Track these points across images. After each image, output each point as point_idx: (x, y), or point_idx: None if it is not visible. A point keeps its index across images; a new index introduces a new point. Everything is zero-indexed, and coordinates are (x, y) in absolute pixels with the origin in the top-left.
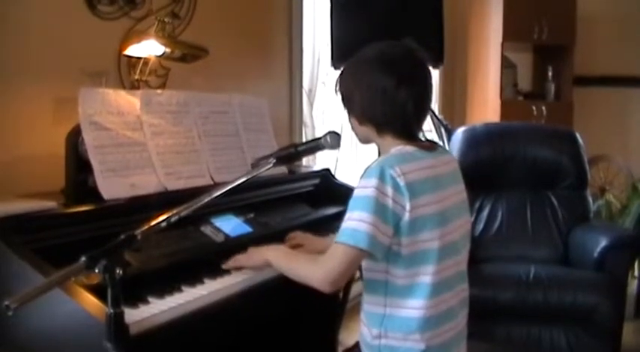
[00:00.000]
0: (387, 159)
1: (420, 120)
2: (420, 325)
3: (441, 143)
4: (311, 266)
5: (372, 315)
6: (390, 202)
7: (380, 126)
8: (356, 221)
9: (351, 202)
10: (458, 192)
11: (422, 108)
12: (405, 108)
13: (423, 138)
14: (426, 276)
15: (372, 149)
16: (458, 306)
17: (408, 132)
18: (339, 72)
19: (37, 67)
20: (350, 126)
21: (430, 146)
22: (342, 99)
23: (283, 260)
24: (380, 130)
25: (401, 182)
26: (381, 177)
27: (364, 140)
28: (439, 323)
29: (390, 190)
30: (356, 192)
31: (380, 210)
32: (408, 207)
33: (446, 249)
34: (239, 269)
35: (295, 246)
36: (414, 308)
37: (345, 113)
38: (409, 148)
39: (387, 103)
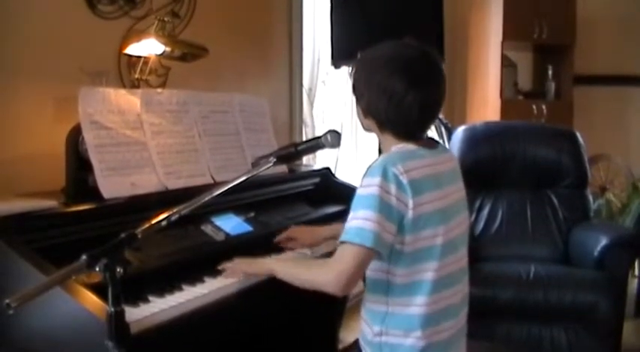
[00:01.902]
0: (389, 158)
1: (425, 125)
2: (421, 322)
3: (441, 142)
4: (320, 271)
5: (374, 313)
6: (393, 200)
7: (382, 125)
8: (361, 220)
9: (355, 201)
10: (458, 189)
11: (428, 113)
12: (410, 112)
13: (424, 137)
14: (427, 273)
15: (372, 149)
16: (459, 303)
17: (410, 134)
18: (354, 62)
19: (37, 67)
20: (357, 112)
21: (431, 144)
22: (353, 87)
23: (290, 269)
24: (382, 128)
25: (404, 180)
26: (384, 175)
27: (367, 129)
28: (440, 320)
29: (393, 188)
30: (359, 191)
31: (384, 208)
32: (410, 204)
33: (447, 246)
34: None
35: (288, 240)
36: (415, 305)
37: (353, 99)
38: (410, 146)
39: (392, 106)
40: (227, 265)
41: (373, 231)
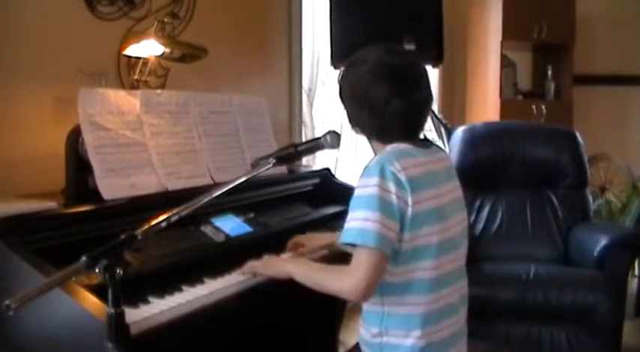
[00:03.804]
0: (385, 157)
1: (411, 130)
2: (421, 321)
3: (440, 142)
4: (339, 278)
5: (371, 315)
6: (394, 198)
7: (367, 134)
8: (362, 220)
9: (353, 202)
10: (453, 188)
11: (413, 119)
12: (392, 120)
13: (415, 139)
14: (423, 272)
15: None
16: (458, 302)
17: (395, 140)
18: (340, 70)
19: (36, 68)
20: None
21: (423, 144)
22: (339, 95)
23: (309, 274)
24: (368, 136)
25: (402, 177)
26: (382, 174)
27: (357, 133)
28: (439, 319)
29: (392, 186)
30: (357, 192)
31: (385, 207)
32: (410, 201)
33: (444, 245)
34: (255, 275)
35: (296, 246)
36: (413, 304)
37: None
38: (403, 146)
39: (373, 117)
40: (244, 270)
41: (375, 231)
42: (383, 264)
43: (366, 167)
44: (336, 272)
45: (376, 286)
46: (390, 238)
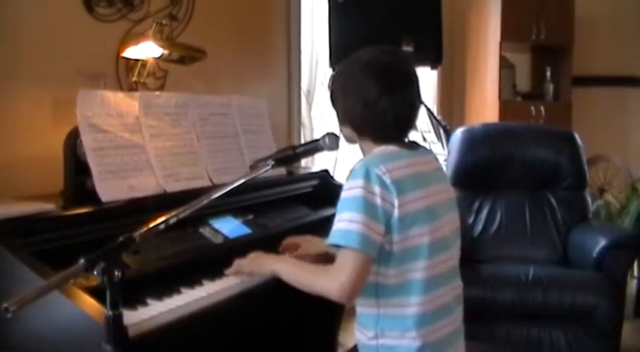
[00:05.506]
0: (371, 159)
1: (402, 128)
2: (416, 322)
3: (439, 143)
4: (324, 278)
5: (367, 317)
6: (378, 200)
7: (359, 130)
8: (346, 221)
9: (339, 204)
10: (443, 189)
11: (403, 117)
12: (384, 117)
13: (404, 140)
14: (417, 273)
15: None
16: (453, 302)
17: (388, 138)
18: (332, 72)
19: (35, 69)
20: (338, 124)
21: (412, 146)
22: (330, 97)
23: (295, 272)
24: (360, 134)
25: (387, 180)
26: (367, 177)
27: (349, 140)
28: (434, 319)
29: (377, 188)
30: (343, 194)
31: (369, 208)
32: (396, 203)
33: (436, 245)
34: (241, 275)
35: (292, 247)
36: (408, 305)
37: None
38: (391, 148)
39: (366, 112)
40: (231, 271)
41: (359, 233)
42: (368, 265)
43: (351, 169)
44: (321, 272)
45: (361, 287)
46: (375, 240)
